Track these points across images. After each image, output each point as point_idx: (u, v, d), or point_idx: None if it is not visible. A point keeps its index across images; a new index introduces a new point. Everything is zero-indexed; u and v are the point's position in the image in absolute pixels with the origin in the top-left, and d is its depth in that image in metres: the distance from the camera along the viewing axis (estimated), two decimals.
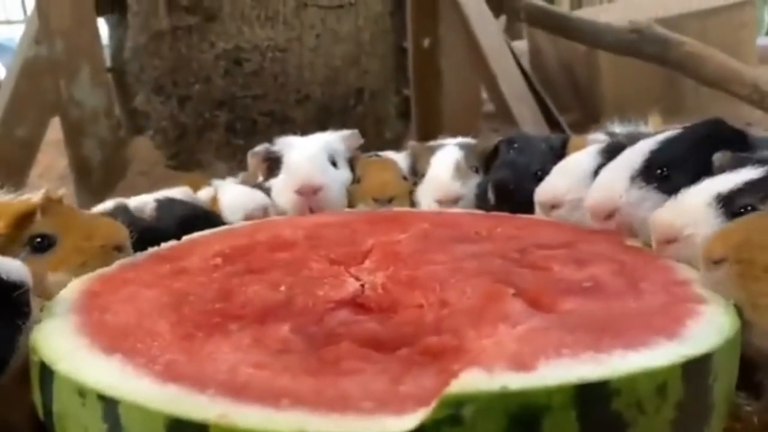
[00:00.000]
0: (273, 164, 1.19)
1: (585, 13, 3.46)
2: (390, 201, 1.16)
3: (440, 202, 1.11)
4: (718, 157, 0.85)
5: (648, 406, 0.51)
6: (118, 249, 0.88)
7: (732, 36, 2.98)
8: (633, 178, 0.89)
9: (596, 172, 0.97)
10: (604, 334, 0.57)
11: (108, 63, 2.32)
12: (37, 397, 0.61)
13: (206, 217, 1.07)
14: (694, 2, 3.27)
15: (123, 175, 2.19)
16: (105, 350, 0.59)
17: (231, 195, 1.15)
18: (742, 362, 0.74)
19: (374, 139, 2.02)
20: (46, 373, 0.58)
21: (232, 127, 2.15)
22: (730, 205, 0.75)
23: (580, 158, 1.02)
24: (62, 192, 0.93)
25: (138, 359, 0.57)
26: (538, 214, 1.01)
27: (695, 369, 0.54)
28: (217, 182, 1.27)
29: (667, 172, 0.88)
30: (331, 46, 2.17)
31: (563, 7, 4.73)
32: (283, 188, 1.12)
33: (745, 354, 0.71)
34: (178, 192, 1.17)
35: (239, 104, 2.13)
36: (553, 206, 0.98)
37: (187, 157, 2.18)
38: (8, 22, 7.63)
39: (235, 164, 2.09)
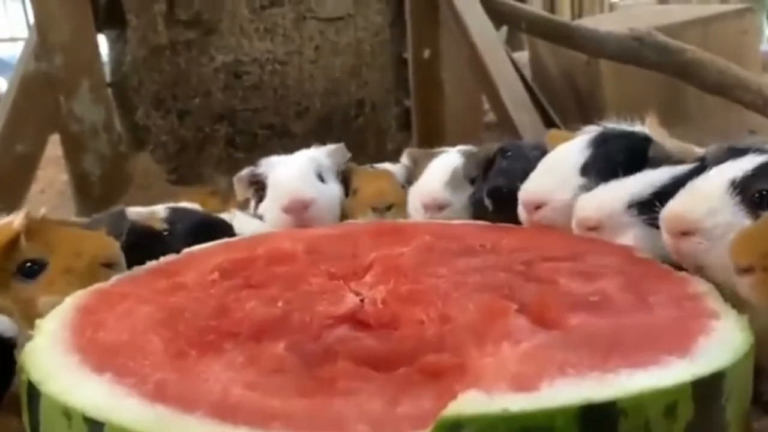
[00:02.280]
0: (259, 186, 1.17)
1: (585, 23, 3.46)
2: (389, 209, 1.14)
3: (426, 207, 1.08)
4: (711, 150, 0.83)
5: (656, 428, 0.49)
6: (109, 265, 0.86)
7: (734, 43, 2.96)
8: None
9: (584, 167, 0.94)
10: (611, 352, 0.54)
11: (108, 78, 2.32)
12: (25, 418, 0.59)
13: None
14: (695, 10, 3.26)
15: (124, 190, 2.18)
16: (95, 369, 0.57)
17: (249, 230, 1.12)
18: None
19: (375, 151, 2.01)
20: (34, 393, 0.57)
21: (233, 140, 2.14)
22: (747, 190, 0.72)
23: (567, 153, 0.98)
24: (44, 210, 0.91)
25: (128, 379, 0.55)
26: (521, 215, 0.97)
27: (707, 389, 0.52)
28: (236, 212, 1.25)
29: None
30: (331, 58, 2.17)
31: (564, 16, 4.74)
32: (270, 207, 1.10)
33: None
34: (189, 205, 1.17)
35: (239, 118, 2.12)
36: (537, 207, 0.94)
37: (188, 172, 2.17)
38: (12, 40, 7.69)
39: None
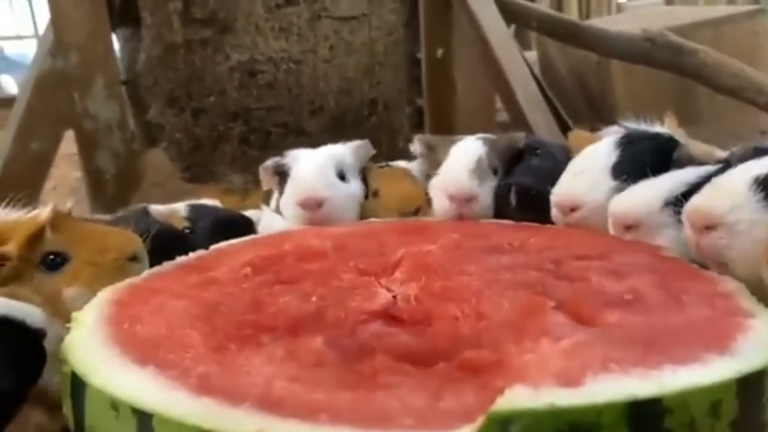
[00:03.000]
0: (282, 178, 1.16)
1: (596, 23, 3.46)
2: (415, 213, 1.13)
3: (452, 199, 1.04)
4: (736, 150, 0.84)
5: (701, 425, 0.49)
6: (134, 259, 0.87)
7: (745, 44, 2.97)
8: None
9: (614, 168, 0.94)
10: (651, 349, 0.55)
11: (122, 76, 2.33)
12: (67, 409, 0.60)
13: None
14: (704, 11, 3.26)
15: (137, 187, 2.19)
16: (137, 362, 0.58)
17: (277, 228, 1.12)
18: None
19: (388, 150, 2.01)
20: (78, 385, 0.57)
21: (247, 139, 2.15)
22: None
23: (596, 154, 0.98)
24: (70, 205, 0.91)
25: (171, 371, 0.56)
26: (555, 217, 0.97)
27: (749, 386, 0.52)
28: (264, 209, 1.25)
29: None
30: (345, 58, 2.17)
31: (571, 17, 4.73)
32: (288, 201, 1.09)
33: None
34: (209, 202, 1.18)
35: (254, 116, 2.13)
36: (572, 209, 0.94)
37: (202, 170, 2.18)
38: (18, 38, 7.72)
39: (249, 176, 2.08)
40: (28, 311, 0.71)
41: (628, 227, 0.89)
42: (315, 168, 1.11)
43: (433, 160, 1.15)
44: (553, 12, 2.82)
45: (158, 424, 0.50)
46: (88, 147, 2.19)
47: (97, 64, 2.16)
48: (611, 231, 0.91)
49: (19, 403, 0.72)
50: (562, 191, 0.97)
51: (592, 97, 3.22)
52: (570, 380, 0.49)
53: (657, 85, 2.82)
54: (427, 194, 1.13)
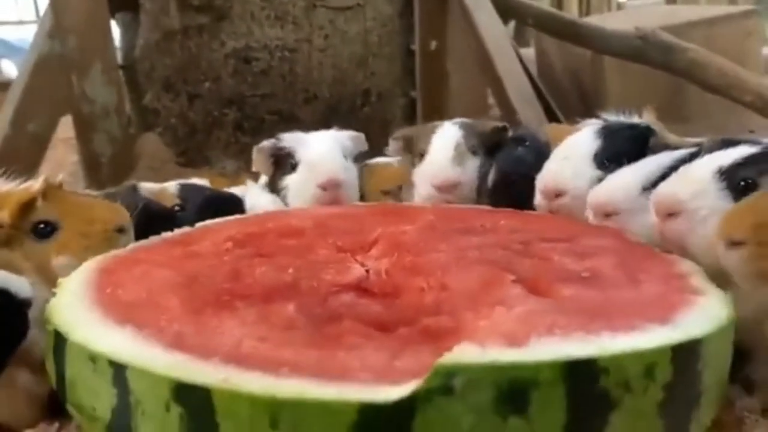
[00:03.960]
0: (282, 160, 1.20)
1: (593, 20, 3.48)
2: (400, 189, 1.18)
3: (438, 189, 1.11)
4: (707, 141, 0.87)
5: (636, 386, 0.53)
6: (120, 231, 0.91)
7: (737, 44, 2.99)
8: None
9: (596, 156, 0.98)
10: (597, 318, 0.59)
11: (120, 61, 2.35)
12: (50, 364, 0.64)
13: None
14: (701, 11, 3.28)
15: (132, 170, 2.22)
16: (117, 322, 0.61)
17: (262, 204, 1.16)
18: (738, 356, 0.76)
19: (380, 140, 2.05)
20: (60, 341, 0.61)
21: (240, 125, 2.18)
22: (732, 178, 0.77)
23: (578, 143, 1.01)
24: (61, 177, 0.95)
25: (147, 330, 0.59)
26: (539, 203, 1.01)
27: (685, 353, 0.56)
28: (250, 184, 1.29)
29: None
30: (340, 47, 2.20)
31: (572, 14, 4.75)
32: (304, 182, 1.13)
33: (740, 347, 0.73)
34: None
35: (248, 103, 2.16)
36: (558, 195, 0.98)
37: (196, 154, 2.22)
38: (20, 23, 7.71)
39: (242, 162, 2.11)
40: (15, 281, 0.75)
41: (607, 215, 0.92)
42: (332, 151, 1.16)
43: (414, 152, 1.20)
44: (550, 9, 2.85)
45: (131, 375, 0.54)
46: (85, 130, 2.22)
47: (96, 48, 2.18)
48: (591, 219, 0.95)
49: (1, 368, 0.76)
50: (549, 177, 1.00)
51: (585, 93, 3.25)
52: (515, 341, 0.53)
53: (648, 83, 2.85)
54: (405, 177, 1.19)
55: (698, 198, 0.78)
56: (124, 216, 0.91)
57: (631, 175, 0.93)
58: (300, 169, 1.15)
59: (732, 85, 2.16)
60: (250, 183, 1.30)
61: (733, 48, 2.87)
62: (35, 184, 0.90)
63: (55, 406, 0.91)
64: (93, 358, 0.57)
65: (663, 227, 0.82)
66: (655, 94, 2.89)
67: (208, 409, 0.50)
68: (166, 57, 2.17)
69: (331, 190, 1.11)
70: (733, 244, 0.70)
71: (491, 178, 1.11)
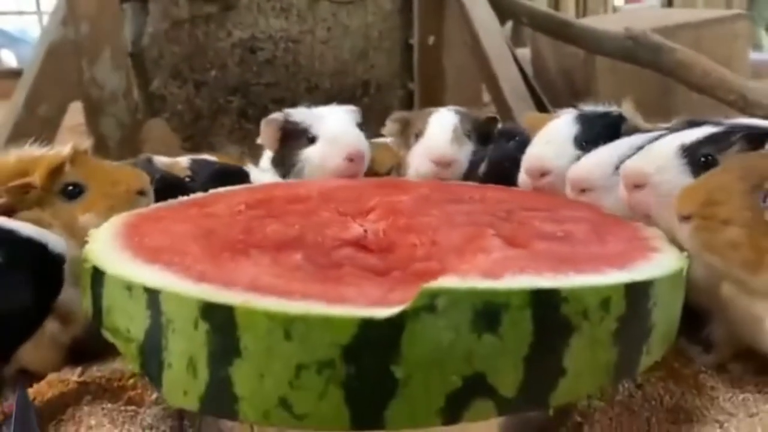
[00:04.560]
0: (294, 134, 1.25)
1: (587, 22, 3.58)
2: (388, 173, 1.27)
3: (436, 164, 1.19)
4: (675, 122, 0.96)
5: (593, 316, 0.62)
6: (141, 193, 1.00)
7: (725, 47, 3.09)
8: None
9: (576, 138, 1.07)
10: (564, 263, 0.68)
11: (129, 48, 2.44)
12: (87, 299, 0.73)
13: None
14: (692, 14, 3.38)
15: (139, 154, 2.31)
16: (146, 262, 0.70)
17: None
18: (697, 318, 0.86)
19: (379, 129, 2.14)
20: (98, 275, 0.70)
21: (245, 112, 2.27)
22: (694, 154, 0.85)
23: (559, 127, 1.10)
24: (87, 145, 1.05)
25: (174, 268, 0.68)
26: (523, 182, 1.10)
27: (636, 291, 0.66)
28: (249, 166, 1.36)
29: None
30: (341, 40, 2.30)
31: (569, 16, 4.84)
32: (328, 156, 1.19)
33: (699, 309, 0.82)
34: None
35: (252, 91, 2.25)
36: (543, 174, 1.06)
37: (201, 140, 2.30)
38: (20, 13, 7.76)
39: (246, 148, 2.21)
40: (52, 237, 0.84)
41: (583, 190, 1.02)
42: (352, 125, 1.23)
43: (410, 132, 1.29)
44: (544, 9, 2.95)
45: (164, 298, 0.63)
46: (94, 114, 2.30)
47: (106, 35, 2.27)
48: (568, 194, 1.04)
49: (39, 321, 0.84)
50: (534, 157, 1.09)
51: (578, 92, 3.35)
52: (491, 275, 0.62)
53: (638, 82, 2.95)
54: (398, 158, 1.28)
55: (662, 172, 0.87)
56: (145, 179, 1.00)
57: (606, 154, 1.02)
58: (321, 141, 1.21)
59: (716, 86, 2.27)
60: (250, 165, 1.38)
61: (720, 50, 2.97)
62: (64, 150, 0.99)
63: (77, 353, 1.01)
64: (129, 287, 0.66)
65: (630, 198, 0.91)
66: (645, 94, 2.98)
67: (231, 325, 0.59)
68: (174, 45, 2.26)
69: (357, 161, 1.18)
70: (684, 217, 0.79)
71: (483, 166, 1.20)
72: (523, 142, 1.21)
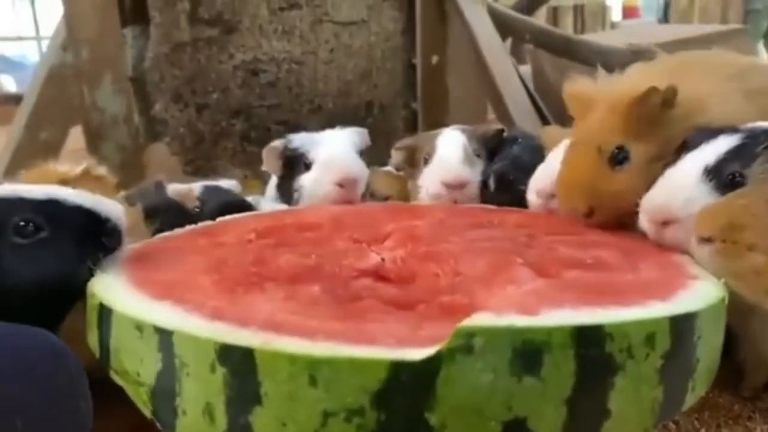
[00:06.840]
0: (293, 161, 1.23)
1: (586, 38, 3.58)
2: (386, 200, 1.23)
3: (449, 186, 1.14)
4: (690, 136, 0.89)
5: (637, 353, 0.58)
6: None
7: None
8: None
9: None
10: (601, 295, 0.64)
11: (129, 72, 2.41)
12: (93, 336, 0.68)
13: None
14: (692, 29, 3.38)
15: (141, 179, 2.27)
16: (156, 297, 0.66)
17: None
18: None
19: (382, 150, 2.11)
20: (105, 312, 0.66)
21: (247, 135, 2.24)
22: (720, 176, 0.78)
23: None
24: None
25: (186, 305, 0.64)
26: (534, 203, 1.05)
27: (681, 325, 0.61)
28: (259, 199, 1.33)
29: None
30: (344, 61, 2.27)
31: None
32: (320, 181, 1.16)
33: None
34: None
35: (255, 113, 2.22)
36: (553, 195, 1.01)
37: (203, 163, 2.26)
38: (20, 39, 7.79)
39: (249, 171, 2.17)
40: (110, 206, 0.79)
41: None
42: (348, 150, 1.19)
43: (418, 158, 1.25)
44: (545, 25, 2.94)
45: (177, 340, 0.59)
46: (95, 138, 2.26)
47: (107, 60, 2.24)
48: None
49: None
50: (542, 179, 1.03)
51: None
52: (527, 310, 0.58)
53: None
54: (400, 182, 1.24)
55: (689, 205, 0.79)
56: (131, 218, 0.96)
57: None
58: (315, 167, 1.18)
59: None
60: (258, 198, 1.34)
61: None
62: (77, 168, 0.96)
63: None
64: (139, 326, 0.61)
65: (659, 236, 0.83)
66: None
67: (251, 369, 0.54)
68: (175, 68, 2.23)
69: (348, 187, 1.15)
70: (703, 239, 0.74)
71: (492, 179, 1.16)
72: (527, 146, 1.18)
